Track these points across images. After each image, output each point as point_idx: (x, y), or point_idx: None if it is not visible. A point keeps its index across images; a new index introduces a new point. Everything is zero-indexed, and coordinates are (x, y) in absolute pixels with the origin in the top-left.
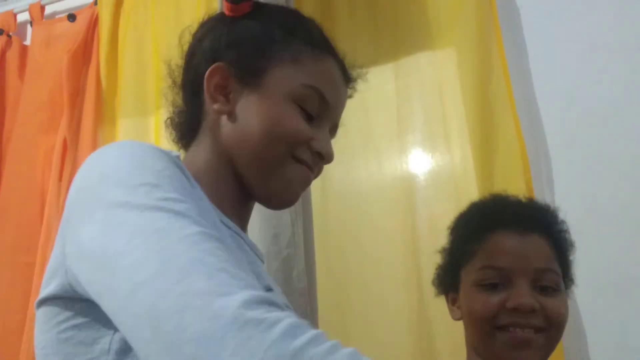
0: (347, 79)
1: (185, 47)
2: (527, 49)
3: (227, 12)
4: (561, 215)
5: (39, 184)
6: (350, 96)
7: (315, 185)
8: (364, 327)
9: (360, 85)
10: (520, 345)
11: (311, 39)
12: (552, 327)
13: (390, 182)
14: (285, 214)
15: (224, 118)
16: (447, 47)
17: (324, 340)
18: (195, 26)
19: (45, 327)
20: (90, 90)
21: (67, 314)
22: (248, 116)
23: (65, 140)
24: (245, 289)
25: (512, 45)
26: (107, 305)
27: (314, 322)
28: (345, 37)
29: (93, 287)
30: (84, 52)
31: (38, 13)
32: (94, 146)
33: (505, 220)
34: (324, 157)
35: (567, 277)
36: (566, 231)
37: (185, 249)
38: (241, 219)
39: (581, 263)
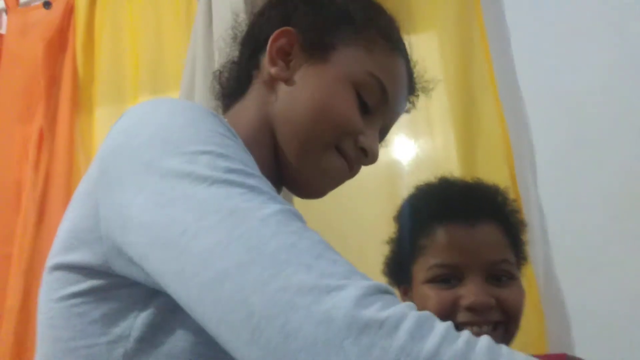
0: (412, 88)
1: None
2: (509, 34)
3: None
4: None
5: (16, 174)
6: (407, 111)
7: None
8: None
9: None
10: None
11: (389, 34)
12: (511, 319)
13: (373, 169)
14: None
15: (279, 84)
16: (429, 31)
17: (455, 335)
18: None
19: (56, 295)
20: (66, 78)
21: (87, 285)
22: (303, 88)
23: (41, 130)
24: (351, 279)
25: (494, 29)
26: (175, 292)
27: None
28: None
29: (149, 266)
30: (60, 40)
31: (13, 1)
32: (71, 135)
33: (452, 210)
34: (368, 155)
35: (519, 258)
36: (517, 211)
37: (272, 233)
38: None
39: (564, 246)
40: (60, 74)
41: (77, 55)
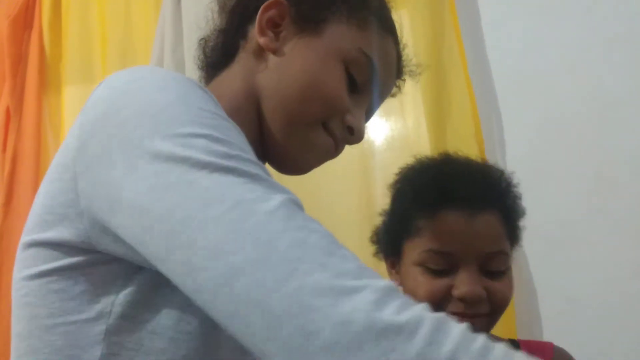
0: (399, 71)
1: None
2: (479, 11)
3: None
4: (513, 177)
5: None
6: (393, 95)
7: None
8: None
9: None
10: None
11: (381, 14)
12: (497, 311)
13: (346, 147)
14: None
15: (267, 55)
16: (399, 10)
17: (471, 339)
18: None
19: (30, 272)
20: (33, 56)
21: (66, 262)
22: (293, 61)
23: (8, 109)
24: (364, 279)
25: (465, 9)
26: (180, 281)
27: None
28: None
29: (145, 250)
30: (25, 18)
31: None
32: (39, 115)
33: (455, 197)
34: (355, 134)
35: (514, 245)
36: (518, 198)
37: (282, 228)
38: None
39: (531, 221)
40: (26, 52)
41: (44, 33)
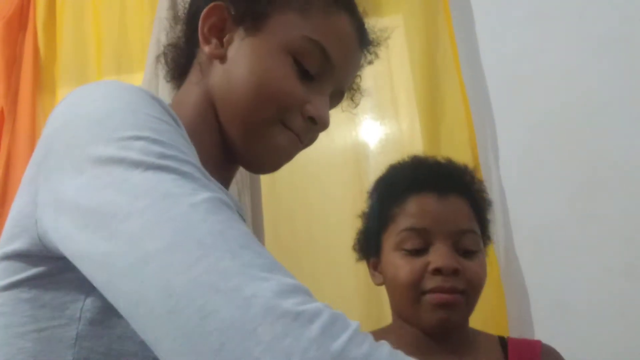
0: (364, 41)
1: None
2: (474, 17)
3: None
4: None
5: None
6: (370, 62)
7: None
8: (314, 292)
9: None
10: (444, 306)
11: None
12: (472, 290)
13: (340, 150)
14: (232, 184)
15: (216, 62)
16: (394, 14)
17: (363, 337)
18: None
19: (2, 283)
20: (27, 57)
21: (33, 271)
22: (238, 64)
23: (2, 110)
24: (274, 273)
25: (459, 12)
26: (98, 272)
27: None
28: None
29: (76, 247)
30: (19, 19)
31: None
32: (33, 116)
33: (424, 182)
34: (318, 123)
35: (485, 235)
36: (483, 190)
37: (201, 219)
38: (223, 177)
39: (524, 224)
40: (20, 53)
41: (39, 34)
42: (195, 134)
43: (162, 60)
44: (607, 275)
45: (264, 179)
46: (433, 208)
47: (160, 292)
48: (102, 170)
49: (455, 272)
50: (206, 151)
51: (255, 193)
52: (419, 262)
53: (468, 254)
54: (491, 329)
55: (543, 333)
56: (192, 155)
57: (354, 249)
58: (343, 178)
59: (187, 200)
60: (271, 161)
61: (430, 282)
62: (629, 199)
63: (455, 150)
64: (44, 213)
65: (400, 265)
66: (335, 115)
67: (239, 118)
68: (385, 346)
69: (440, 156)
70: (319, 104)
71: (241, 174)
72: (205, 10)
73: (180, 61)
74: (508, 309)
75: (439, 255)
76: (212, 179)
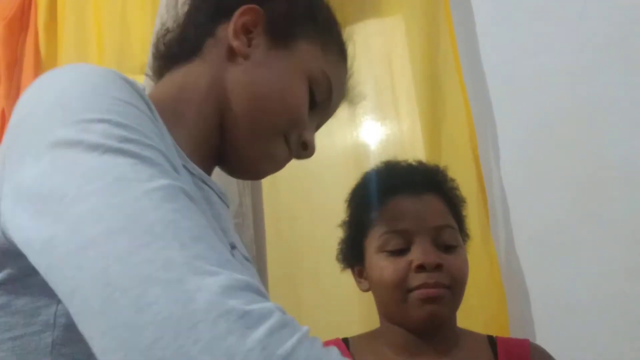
0: (345, 96)
1: None
2: (474, 17)
3: None
4: (506, 177)
5: None
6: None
7: None
8: (316, 296)
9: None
10: (431, 301)
11: (341, 41)
12: (457, 283)
13: (341, 150)
14: (232, 184)
15: (238, 58)
16: (395, 15)
17: (312, 342)
18: None
19: None
20: (28, 59)
21: (3, 275)
22: (263, 69)
23: (3, 111)
24: (225, 268)
25: (460, 13)
26: (40, 258)
27: None
28: None
29: (23, 234)
30: (20, 20)
31: None
32: None
33: (400, 185)
34: (308, 149)
35: (462, 231)
36: (456, 188)
37: (154, 206)
38: (207, 166)
39: (526, 227)
40: (21, 55)
41: (40, 35)
42: (186, 116)
43: (162, 38)
44: (608, 276)
45: (264, 179)
46: (410, 208)
47: (96, 280)
48: (58, 154)
49: (438, 267)
50: (195, 133)
51: (256, 194)
52: (402, 261)
53: (449, 248)
54: (492, 330)
55: (544, 334)
56: (159, 140)
57: (338, 259)
58: (344, 179)
59: (141, 186)
60: (260, 168)
61: (415, 280)
62: (631, 200)
63: (456, 150)
64: (5, 205)
65: (384, 267)
66: (337, 115)
67: (251, 117)
68: (334, 351)
69: (413, 159)
70: (312, 133)
71: None
72: (244, 8)
73: (184, 44)
74: (509, 310)
75: (420, 252)
76: (192, 165)
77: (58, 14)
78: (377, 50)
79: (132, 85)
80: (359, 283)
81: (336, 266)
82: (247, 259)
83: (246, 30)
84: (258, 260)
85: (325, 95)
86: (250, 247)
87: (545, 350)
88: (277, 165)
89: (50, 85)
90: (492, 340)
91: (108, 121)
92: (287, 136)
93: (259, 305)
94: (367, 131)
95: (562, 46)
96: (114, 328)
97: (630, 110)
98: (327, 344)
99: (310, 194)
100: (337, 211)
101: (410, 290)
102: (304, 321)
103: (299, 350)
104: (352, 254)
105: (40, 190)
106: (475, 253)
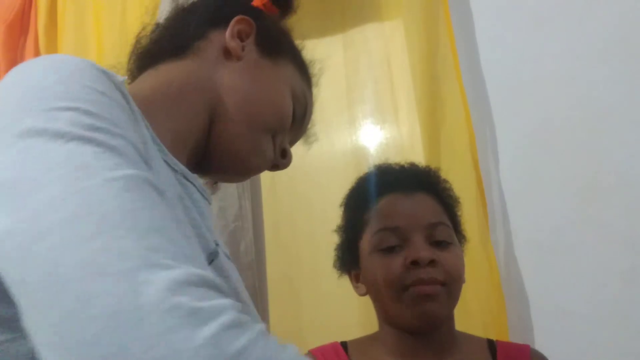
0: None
1: None
2: (474, 22)
3: (259, 4)
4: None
5: None
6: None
7: None
8: (315, 299)
9: (308, 56)
10: (427, 298)
11: (310, 81)
12: (452, 280)
13: (340, 154)
14: (232, 187)
15: (232, 59)
16: (395, 19)
17: (266, 340)
18: None
19: None
20: None
21: None
22: (257, 72)
23: None
24: (182, 262)
25: (459, 17)
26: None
27: (262, 295)
28: None
29: None
30: (21, 23)
31: None
32: None
33: (392, 184)
34: (287, 157)
35: (458, 232)
36: (450, 189)
37: (114, 195)
38: (190, 163)
39: (524, 227)
40: (22, 57)
41: (40, 38)
42: (173, 110)
43: (145, 35)
44: (607, 280)
45: (264, 183)
46: (402, 206)
47: (45, 272)
48: (25, 142)
49: (432, 263)
50: (180, 129)
51: (255, 197)
52: (396, 258)
53: (443, 245)
54: (491, 333)
55: (543, 338)
56: (131, 131)
57: (335, 266)
58: (343, 182)
59: (104, 174)
60: (252, 161)
61: (410, 277)
62: (629, 204)
63: (455, 154)
64: None
65: (379, 266)
66: (336, 119)
67: (247, 112)
68: (291, 349)
69: (405, 161)
70: (287, 144)
71: None
72: (240, 17)
73: (170, 43)
74: (508, 314)
75: (414, 248)
76: (174, 161)
77: (58, 16)
78: (376, 54)
79: (108, 76)
80: (355, 288)
81: (335, 270)
82: (228, 257)
83: (240, 38)
84: (257, 263)
85: (302, 112)
86: (250, 250)
87: (546, 358)
88: (264, 162)
89: (22, 75)
90: (492, 345)
91: (76, 109)
92: (274, 138)
93: (212, 302)
94: (367, 135)
95: (561, 50)
96: (58, 322)
97: (629, 115)
98: (324, 347)
99: (309, 198)
100: (336, 215)
101: (405, 289)
102: (303, 325)
103: (252, 349)
104: (348, 258)
105: (4, 180)
106: (474, 257)
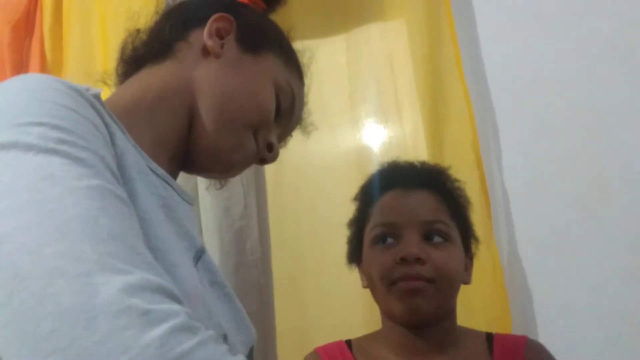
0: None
1: None
2: (476, 20)
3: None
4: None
5: None
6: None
7: None
8: (319, 297)
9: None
10: (411, 294)
11: (299, 67)
12: (441, 278)
13: (344, 153)
14: (237, 186)
15: (210, 57)
16: (398, 18)
17: (214, 346)
18: None
19: None
20: (34, 63)
21: None
22: (234, 68)
23: None
24: (139, 269)
25: (461, 16)
26: None
27: (268, 293)
28: (296, 8)
29: None
30: (26, 24)
31: None
32: None
33: (395, 180)
34: (273, 150)
35: (467, 234)
36: (459, 189)
37: (76, 202)
38: (172, 166)
39: (527, 226)
40: (27, 58)
41: (45, 39)
42: (154, 116)
43: (132, 39)
44: (611, 278)
45: (269, 181)
46: (400, 202)
47: (4, 273)
48: None
49: (419, 260)
50: (161, 133)
51: (260, 195)
52: (389, 253)
53: (437, 244)
54: (495, 331)
55: (547, 335)
56: (100, 144)
57: (347, 259)
58: (347, 181)
59: (68, 184)
60: (232, 157)
61: (397, 272)
62: (632, 202)
63: (458, 153)
64: None
65: (375, 259)
66: (339, 118)
67: (222, 110)
68: (239, 357)
69: (417, 160)
70: (275, 137)
71: (247, 176)
72: (219, 14)
73: (152, 47)
74: (512, 312)
75: (404, 245)
76: (155, 166)
77: (63, 17)
78: (379, 53)
79: (79, 92)
80: (362, 280)
81: (339, 268)
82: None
83: (219, 36)
84: (263, 261)
85: (289, 105)
86: (256, 248)
87: (543, 347)
88: (246, 157)
89: None
90: (490, 337)
91: (45, 124)
92: (256, 134)
93: (164, 306)
94: (370, 134)
95: (564, 48)
96: (14, 319)
97: (632, 113)
98: (329, 346)
99: (313, 196)
100: (340, 213)
101: (393, 283)
102: (308, 323)
103: (198, 352)
104: (355, 250)
105: None
106: (477, 255)
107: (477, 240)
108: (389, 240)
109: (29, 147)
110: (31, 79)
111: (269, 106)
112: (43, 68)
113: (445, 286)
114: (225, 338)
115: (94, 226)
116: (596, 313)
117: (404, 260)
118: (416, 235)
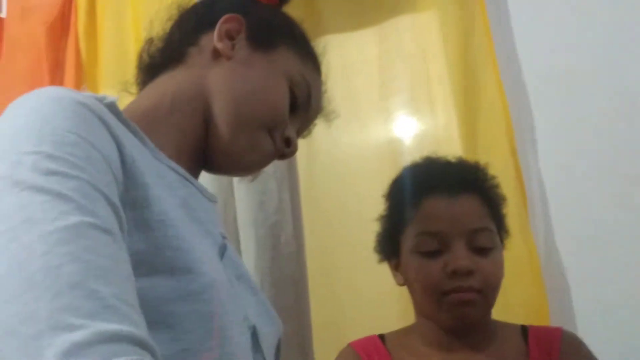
0: (321, 110)
1: None
2: (509, 10)
3: None
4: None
5: None
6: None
7: (300, 152)
8: (351, 291)
9: (342, 50)
10: (463, 305)
11: (315, 57)
12: (489, 288)
13: (375, 147)
14: (271, 181)
15: (221, 59)
16: (429, 10)
17: None
18: None
19: None
20: (70, 62)
21: None
22: (246, 68)
23: None
24: (94, 320)
25: (494, 6)
26: None
27: (303, 287)
28: (327, 2)
29: None
30: (62, 24)
31: None
32: None
33: (436, 184)
34: (291, 145)
35: (501, 230)
36: (496, 186)
37: (45, 251)
38: (192, 167)
39: (565, 219)
40: (63, 58)
41: (80, 39)
42: (171, 119)
43: (146, 48)
44: None
45: (301, 178)
46: (445, 210)
47: None
48: None
49: (470, 273)
50: (179, 135)
51: (294, 190)
52: (436, 264)
53: (483, 251)
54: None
55: (586, 329)
56: (96, 169)
57: (375, 250)
58: (379, 175)
59: (43, 228)
60: (247, 161)
61: (449, 284)
62: None
63: (492, 145)
64: None
65: (418, 268)
66: (371, 112)
67: (235, 111)
68: None
69: (452, 156)
70: (292, 131)
71: (280, 171)
72: (228, 15)
73: (166, 54)
74: (550, 308)
75: (454, 257)
76: (175, 165)
77: (97, 18)
78: (411, 45)
79: (88, 107)
80: (394, 276)
81: (372, 262)
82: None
83: (229, 37)
84: (298, 255)
85: (305, 97)
86: (290, 242)
87: (579, 338)
88: (262, 157)
89: (8, 116)
90: (525, 330)
91: (40, 153)
92: (271, 132)
93: None
94: (402, 127)
95: (599, 38)
96: None
97: None
98: (363, 340)
99: (345, 190)
100: (372, 206)
101: (443, 294)
102: (341, 318)
103: None
104: (389, 248)
105: None
106: (514, 248)
107: (507, 233)
108: (434, 249)
109: (16, 183)
110: (43, 98)
111: (281, 106)
112: (79, 67)
113: (493, 295)
114: (254, 329)
115: (56, 277)
116: (635, 309)
117: (454, 274)
118: (464, 245)
